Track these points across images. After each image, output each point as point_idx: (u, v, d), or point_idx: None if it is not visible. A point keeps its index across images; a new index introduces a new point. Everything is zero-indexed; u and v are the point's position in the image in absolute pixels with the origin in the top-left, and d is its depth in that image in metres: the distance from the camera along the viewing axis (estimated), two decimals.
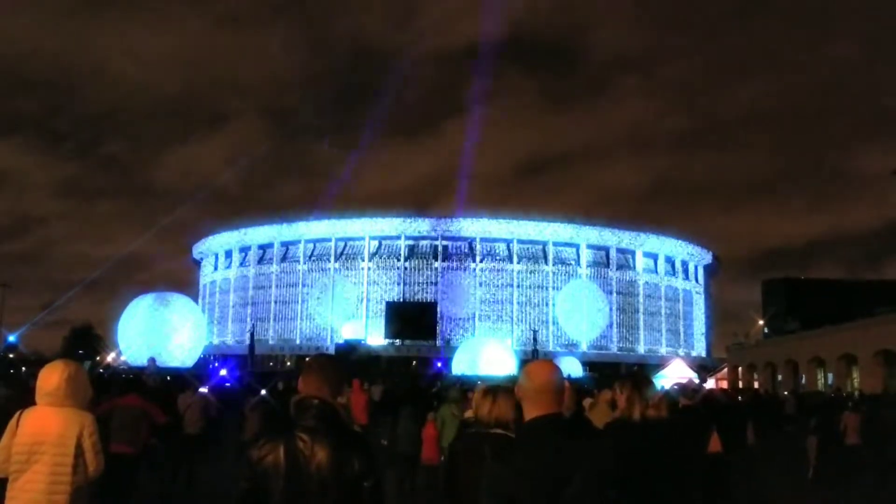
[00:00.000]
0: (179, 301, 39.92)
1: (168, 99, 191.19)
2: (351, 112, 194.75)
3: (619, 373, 64.27)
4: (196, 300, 69.10)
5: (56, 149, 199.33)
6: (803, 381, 55.45)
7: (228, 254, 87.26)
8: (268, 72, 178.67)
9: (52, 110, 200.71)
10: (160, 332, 36.70)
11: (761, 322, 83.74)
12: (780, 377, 61.06)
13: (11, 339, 48.68)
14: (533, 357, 58.89)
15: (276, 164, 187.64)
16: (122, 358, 39.65)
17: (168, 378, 19.34)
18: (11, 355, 47.75)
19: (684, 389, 12.23)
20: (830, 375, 52.00)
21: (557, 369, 2.93)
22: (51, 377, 4.51)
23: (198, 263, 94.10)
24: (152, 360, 14.73)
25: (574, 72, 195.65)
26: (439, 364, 54.78)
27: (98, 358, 57.82)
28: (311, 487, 2.85)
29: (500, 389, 4.70)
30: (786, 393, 37.20)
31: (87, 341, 73.11)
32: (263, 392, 13.28)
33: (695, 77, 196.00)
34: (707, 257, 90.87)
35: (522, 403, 2.90)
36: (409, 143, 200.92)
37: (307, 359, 3.30)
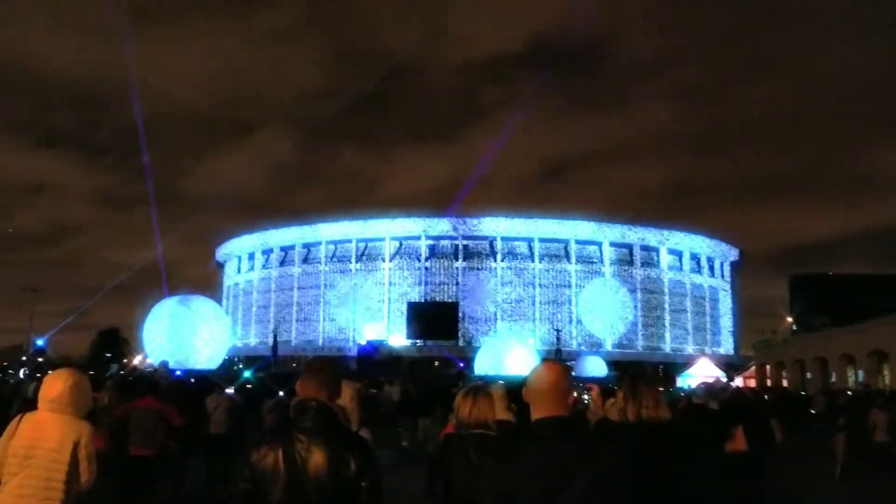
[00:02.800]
0: (203, 303, 40.19)
1: (199, 111, 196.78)
2: (376, 119, 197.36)
3: (645, 372, 63.92)
4: (220, 302, 69.64)
5: (95, 160, 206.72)
6: (833, 378, 54.73)
7: (251, 256, 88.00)
8: (296, 83, 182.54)
9: (92, 124, 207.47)
10: (185, 335, 36.94)
11: (789, 319, 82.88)
12: (808, 374, 60.30)
13: (40, 343, 49.38)
14: (556, 356, 58.74)
15: (301, 170, 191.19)
16: (148, 361, 40.01)
17: (191, 380, 19.48)
18: (40, 359, 48.43)
19: (711, 389, 12.09)
20: (860, 372, 51.28)
21: (565, 371, 2.93)
22: (55, 384, 4.58)
23: (221, 266, 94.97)
24: (164, 363, 14.87)
25: (596, 76, 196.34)
26: (461, 364, 54.77)
27: (125, 361, 58.49)
28: (310, 488, 2.88)
29: (479, 391, 4.73)
30: (808, 392, 36.80)
31: (113, 345, 74.01)
32: (281, 393, 13.37)
33: (716, 79, 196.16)
34: (733, 253, 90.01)
35: (530, 405, 2.89)
36: (433, 148, 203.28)
37: (307, 363, 3.31)
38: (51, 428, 4.46)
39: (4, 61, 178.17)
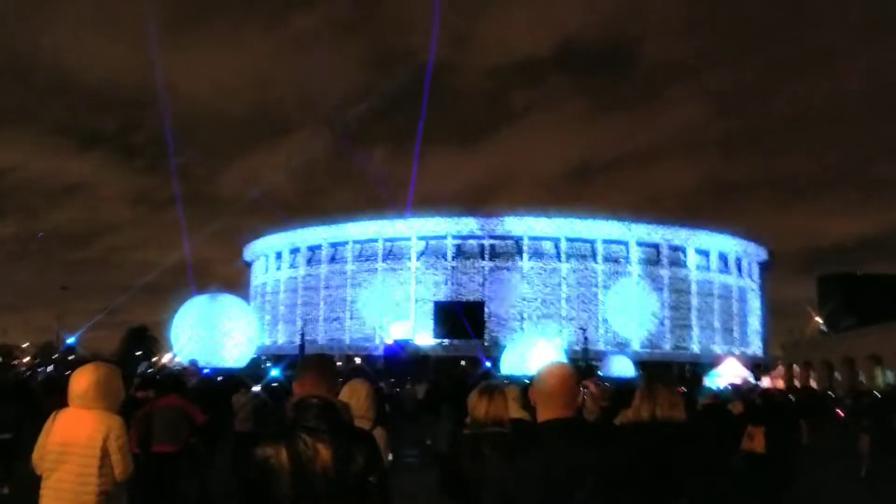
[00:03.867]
0: (232, 301, 40.52)
1: (233, 114, 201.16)
2: (407, 121, 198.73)
3: (672, 372, 63.41)
4: (248, 301, 70.18)
5: (131, 162, 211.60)
6: (861, 378, 53.96)
7: (279, 256, 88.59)
8: (328, 86, 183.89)
9: (129, 127, 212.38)
10: (213, 333, 37.26)
11: (817, 319, 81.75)
12: (837, 375, 59.50)
13: (70, 340, 50.10)
14: (583, 356, 58.44)
15: (332, 171, 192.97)
16: (177, 359, 40.44)
17: (219, 378, 19.72)
18: (71, 357, 49.13)
19: (738, 390, 12.07)
20: (889, 373, 50.51)
21: (571, 372, 2.94)
22: (80, 380, 4.64)
23: (249, 265, 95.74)
24: (193, 362, 15.10)
25: (625, 78, 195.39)
26: (488, 364, 54.71)
27: (154, 359, 59.15)
28: (317, 487, 2.87)
29: (495, 389, 4.74)
30: (831, 392, 36.30)
31: (142, 342, 74.88)
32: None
33: (745, 81, 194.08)
34: (762, 253, 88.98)
35: (536, 406, 2.91)
36: (463, 150, 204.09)
37: (303, 360, 3.35)
38: (80, 424, 4.53)
39: (47, 66, 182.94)
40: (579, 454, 2.71)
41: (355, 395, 5.03)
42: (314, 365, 3.23)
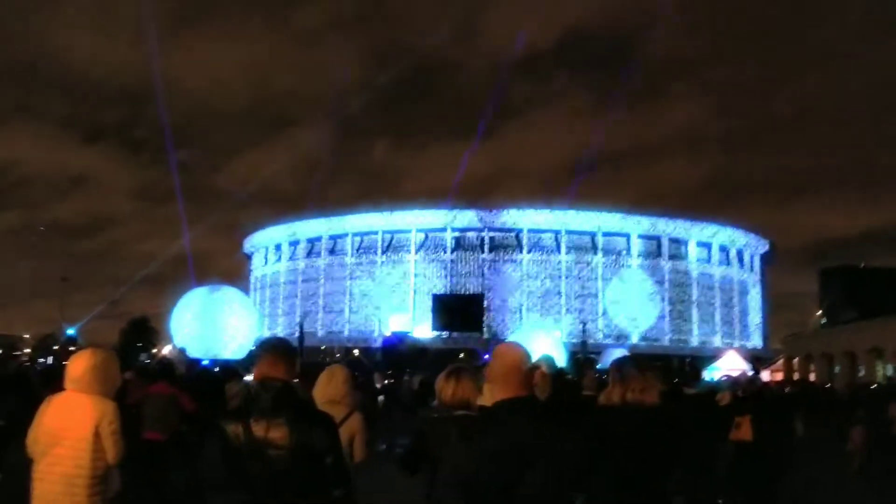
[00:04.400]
0: (231, 293, 40.51)
1: (235, 109, 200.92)
2: (408, 114, 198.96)
3: (672, 365, 63.44)
4: (247, 293, 70.25)
5: (134, 156, 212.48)
6: (861, 372, 54.03)
7: (278, 248, 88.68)
8: (330, 79, 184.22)
9: (133, 121, 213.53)
10: (212, 324, 37.24)
11: (818, 312, 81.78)
12: (837, 368, 59.56)
13: (70, 331, 50.20)
14: (582, 349, 58.45)
15: (333, 164, 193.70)
16: (166, 348, 40.49)
17: (216, 368, 19.77)
18: (72, 347, 49.26)
19: (736, 382, 12.10)
20: (889, 366, 50.54)
21: (523, 351, 2.93)
22: (78, 364, 4.66)
23: (249, 257, 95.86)
24: (183, 350, 15.18)
25: (627, 74, 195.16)
26: (486, 356, 54.79)
27: (154, 350, 59.27)
28: (274, 466, 2.91)
29: (462, 372, 4.73)
30: (828, 385, 36.40)
31: (142, 334, 75.02)
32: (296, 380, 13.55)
33: (747, 78, 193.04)
34: (763, 246, 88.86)
35: (491, 386, 2.89)
36: (464, 143, 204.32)
37: (260, 343, 3.36)
38: (75, 408, 4.54)
39: (51, 62, 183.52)
40: (533, 432, 2.70)
41: (333, 380, 5.04)
42: (272, 347, 3.24)
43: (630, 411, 3.77)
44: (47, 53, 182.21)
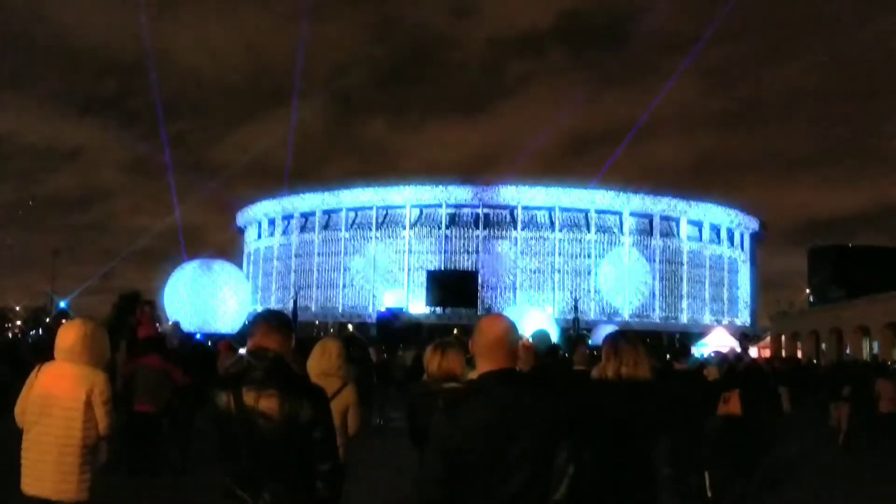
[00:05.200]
0: (225, 267, 40.43)
1: (232, 83, 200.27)
2: (405, 92, 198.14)
3: (662, 342, 63.78)
4: (240, 268, 70.07)
5: (129, 129, 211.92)
6: (848, 350, 54.48)
7: (272, 222, 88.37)
8: (328, 56, 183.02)
9: (128, 93, 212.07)
10: (206, 298, 37.21)
11: (807, 290, 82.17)
12: (823, 346, 60.04)
13: (62, 304, 50.08)
14: (574, 325, 58.70)
15: (329, 140, 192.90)
16: (169, 324, 40.35)
17: (209, 342, 19.79)
18: (64, 320, 49.06)
19: (724, 358, 12.21)
20: (875, 344, 50.97)
21: (509, 324, 2.93)
22: (68, 334, 4.63)
23: (242, 231, 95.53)
24: (176, 323, 15.19)
25: (624, 52, 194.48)
26: None
27: None
28: (262, 436, 2.92)
29: (448, 345, 4.79)
30: (815, 362, 36.68)
31: (135, 307, 74.83)
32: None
33: (740, 57, 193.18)
34: (753, 224, 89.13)
35: (476, 359, 2.90)
36: (460, 120, 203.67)
37: (256, 314, 3.37)
38: (65, 378, 4.53)
39: (47, 34, 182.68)
40: (519, 402, 2.72)
41: (326, 353, 5.09)
42: (267, 318, 3.23)
43: (624, 385, 3.82)
44: (44, 26, 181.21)
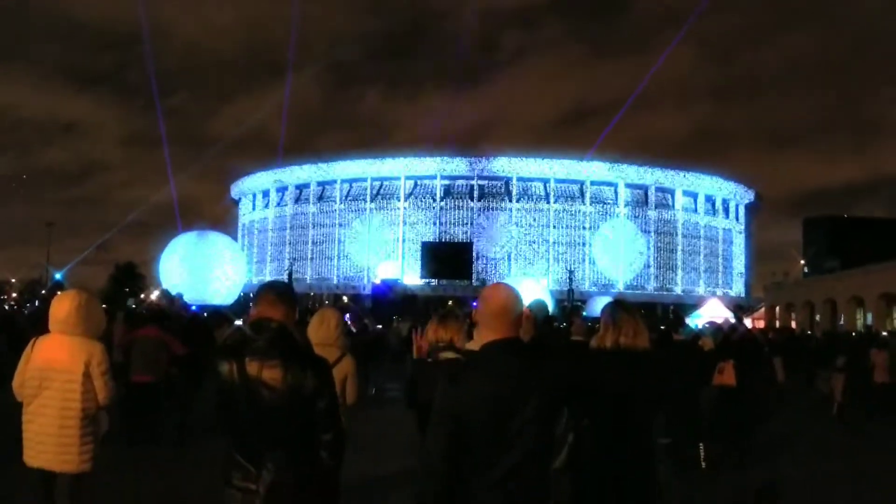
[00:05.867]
0: (219, 239, 40.30)
1: (229, 56, 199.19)
2: (402, 64, 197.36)
3: (656, 313, 64.07)
4: (235, 239, 69.96)
5: (128, 102, 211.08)
6: (841, 320, 54.79)
7: (266, 194, 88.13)
8: (326, 30, 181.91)
9: (126, 66, 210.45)
10: (201, 270, 37.12)
11: (801, 261, 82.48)
12: (818, 317, 60.34)
13: (58, 276, 50.04)
14: (569, 297, 58.90)
15: (325, 113, 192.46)
16: (156, 293, 40.31)
17: (205, 314, 19.77)
18: (59, 291, 49.01)
19: (718, 329, 12.25)
20: (869, 315, 51.25)
21: (514, 293, 2.91)
22: (62, 306, 4.62)
23: (236, 203, 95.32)
24: (179, 295, 15.21)
25: (620, 23, 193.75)
26: (474, 304, 55.05)
27: (142, 295, 59.18)
28: (265, 407, 2.92)
29: (448, 315, 4.82)
30: (809, 332, 36.93)
31: (130, 279, 74.81)
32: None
33: (736, 29, 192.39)
34: (748, 195, 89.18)
35: (479, 328, 2.91)
36: (455, 93, 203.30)
37: (262, 285, 3.35)
38: (61, 350, 4.53)
39: (48, 6, 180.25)
40: (523, 372, 2.72)
41: (325, 324, 5.09)
42: (271, 288, 3.22)
43: (623, 355, 3.82)
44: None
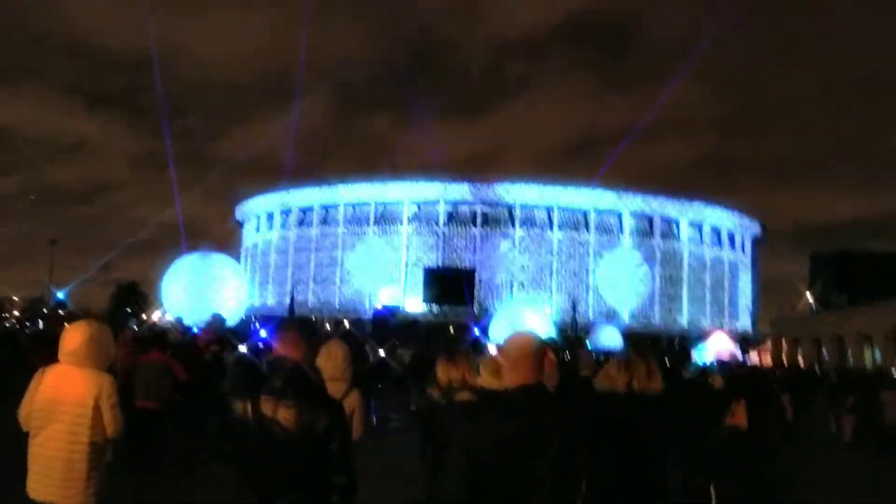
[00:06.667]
0: (223, 261, 40.28)
1: (239, 80, 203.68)
2: (409, 91, 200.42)
3: (661, 345, 63.78)
4: (238, 261, 69.99)
5: (138, 123, 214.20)
6: (849, 357, 54.44)
7: (270, 216, 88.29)
8: (336, 56, 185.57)
9: (138, 89, 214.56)
10: (203, 291, 37.02)
11: (808, 295, 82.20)
12: (825, 353, 59.97)
13: (60, 295, 49.93)
14: (572, 326, 58.67)
15: (331, 137, 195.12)
16: (167, 316, 40.31)
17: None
18: (61, 311, 49.03)
19: (725, 365, 12.14)
20: (878, 352, 50.89)
21: (537, 340, 2.96)
22: (73, 337, 4.57)
23: (240, 225, 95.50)
24: (179, 319, 15.12)
25: (626, 56, 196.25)
26: (476, 331, 54.90)
27: (143, 316, 59.15)
28: (278, 447, 2.90)
29: (458, 354, 4.75)
30: (818, 369, 36.67)
31: (132, 299, 74.84)
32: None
33: (743, 62, 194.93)
34: (754, 228, 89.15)
35: (504, 373, 2.92)
36: (461, 120, 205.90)
37: (284, 321, 3.33)
38: (71, 381, 4.49)
39: (62, 28, 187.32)
40: (544, 419, 2.73)
41: (332, 358, 4.99)
42: (294, 327, 3.25)
43: (636, 399, 3.79)
44: (59, 20, 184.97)
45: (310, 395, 3.02)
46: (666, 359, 18.22)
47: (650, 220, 79.45)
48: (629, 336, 62.44)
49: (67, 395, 4.44)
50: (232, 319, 37.68)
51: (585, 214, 77.59)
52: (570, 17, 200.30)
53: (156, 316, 49.28)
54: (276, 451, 2.92)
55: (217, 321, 15.94)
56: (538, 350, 2.90)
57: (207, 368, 11.39)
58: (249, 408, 2.96)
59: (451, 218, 76.98)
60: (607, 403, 3.93)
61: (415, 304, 70.10)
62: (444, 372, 4.63)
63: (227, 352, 12.90)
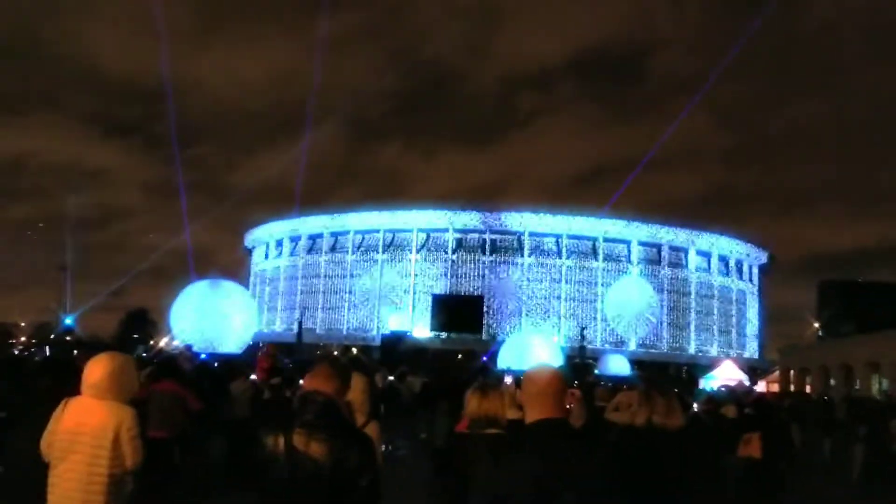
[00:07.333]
0: (232, 288, 40.43)
1: (253, 110, 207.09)
2: (420, 121, 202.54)
3: (668, 373, 63.40)
4: (247, 288, 70.13)
5: (152, 152, 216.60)
6: (857, 385, 53.96)
7: (279, 243, 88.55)
8: (348, 86, 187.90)
9: (153, 118, 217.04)
10: (212, 318, 37.16)
11: (816, 324, 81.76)
12: (833, 381, 59.49)
13: (68, 321, 50.08)
14: (580, 354, 58.43)
15: (345, 167, 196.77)
16: (175, 343, 40.39)
17: (215, 364, 19.68)
18: (68, 337, 49.09)
19: (733, 393, 12.11)
20: (885, 381, 50.48)
21: (559, 374, 2.95)
22: (95, 370, 4.62)
23: (250, 252, 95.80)
24: (189, 346, 15.15)
25: (634, 88, 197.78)
26: (485, 358, 54.69)
27: (151, 342, 59.20)
28: (308, 481, 2.92)
29: (489, 386, 4.73)
30: (826, 397, 36.37)
31: (141, 326, 74.95)
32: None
33: (750, 94, 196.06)
34: (762, 257, 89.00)
35: (525, 407, 2.91)
36: (471, 151, 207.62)
37: (320, 356, 3.40)
38: (92, 414, 4.54)
39: (81, 58, 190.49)
40: (569, 457, 2.72)
41: (352, 390, 5.02)
42: (329, 363, 3.29)
43: (656, 434, 3.78)
44: (75, 49, 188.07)
45: (342, 430, 3.04)
46: (682, 393, 18.17)
47: (658, 249, 79.43)
48: (641, 364, 62.29)
49: (88, 427, 4.47)
50: (239, 346, 37.79)
51: (594, 243, 77.63)
52: (580, 50, 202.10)
53: (164, 342, 49.40)
54: (307, 486, 2.93)
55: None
56: (559, 384, 2.89)
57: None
58: (282, 440, 2.98)
59: (460, 246, 77.11)
60: (627, 440, 3.94)
61: (423, 331, 69.97)
62: (478, 406, 4.56)
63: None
